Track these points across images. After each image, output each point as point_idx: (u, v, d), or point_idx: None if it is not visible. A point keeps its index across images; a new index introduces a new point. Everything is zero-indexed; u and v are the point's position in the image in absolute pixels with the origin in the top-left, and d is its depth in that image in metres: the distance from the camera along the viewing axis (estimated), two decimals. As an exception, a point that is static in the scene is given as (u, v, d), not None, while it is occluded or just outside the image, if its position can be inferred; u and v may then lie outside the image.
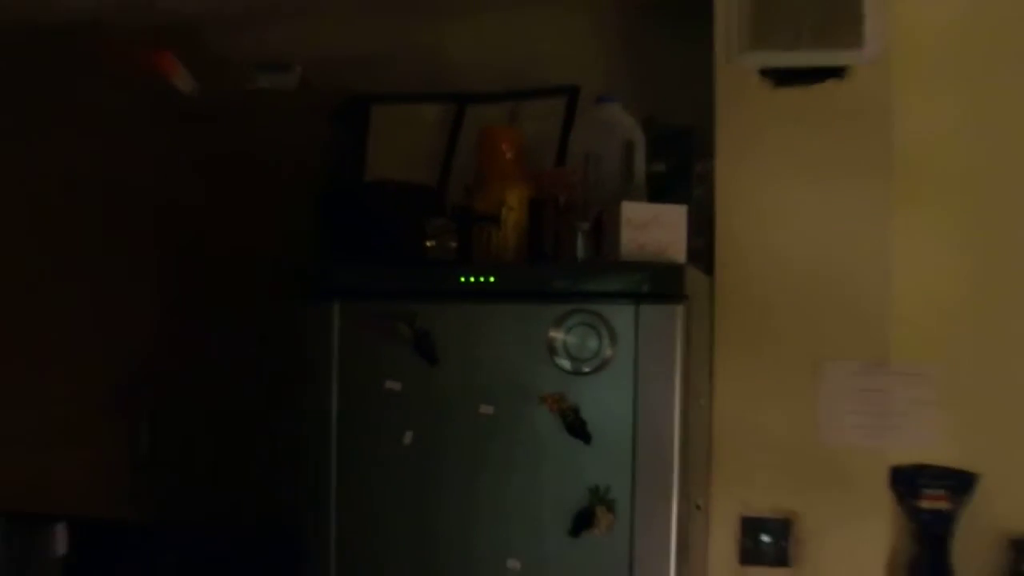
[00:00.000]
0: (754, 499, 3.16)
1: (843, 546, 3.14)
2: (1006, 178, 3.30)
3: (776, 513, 3.15)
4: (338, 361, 2.88)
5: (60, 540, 3.87)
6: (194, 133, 3.43)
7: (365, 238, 2.99)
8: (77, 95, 3.61)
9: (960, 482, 3.27)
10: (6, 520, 3.88)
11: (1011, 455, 3.25)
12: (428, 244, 2.90)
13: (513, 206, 2.89)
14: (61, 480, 3.56)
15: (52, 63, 3.78)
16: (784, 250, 3.16)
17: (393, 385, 2.83)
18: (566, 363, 2.72)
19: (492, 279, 2.81)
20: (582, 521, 2.69)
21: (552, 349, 2.72)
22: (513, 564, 2.75)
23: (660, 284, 2.71)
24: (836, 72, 3.17)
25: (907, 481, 3.27)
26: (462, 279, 2.82)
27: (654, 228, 2.82)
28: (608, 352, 2.70)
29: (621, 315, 2.69)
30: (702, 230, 3.11)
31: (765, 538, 3.16)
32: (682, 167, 3.14)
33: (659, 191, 3.01)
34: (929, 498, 3.26)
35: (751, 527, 3.17)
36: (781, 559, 3.15)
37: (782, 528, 3.15)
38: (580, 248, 2.85)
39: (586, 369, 2.71)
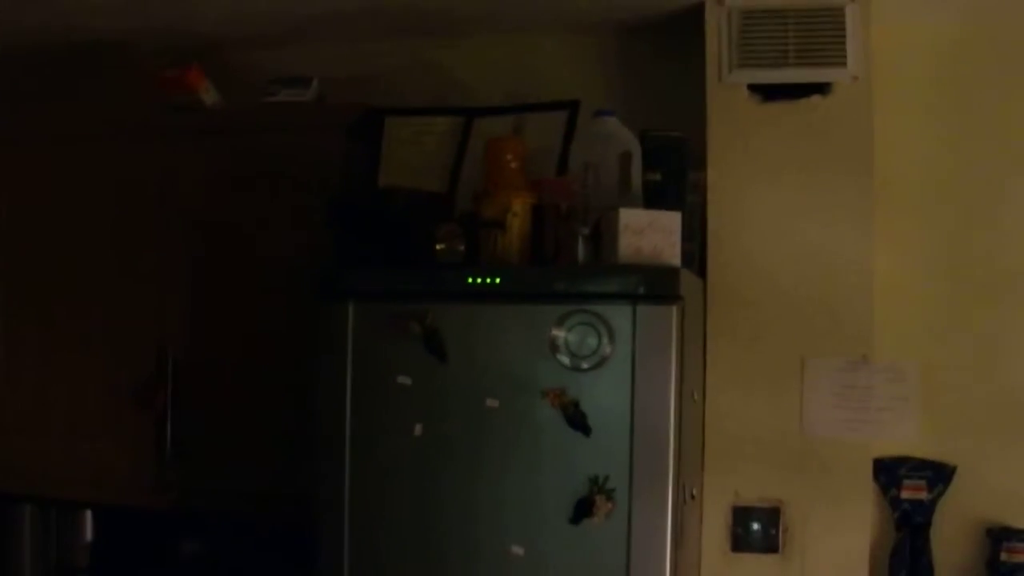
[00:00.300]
0: (744, 489, 3.18)
1: (828, 534, 3.14)
2: (979, 189, 3.32)
3: (765, 502, 3.17)
4: (352, 358, 2.87)
5: (87, 526, 3.89)
6: (217, 144, 3.42)
7: (378, 242, 2.98)
8: (107, 109, 3.60)
9: (938, 473, 3.29)
10: (36, 507, 3.90)
11: (986, 448, 3.27)
12: (437, 248, 2.90)
13: (517, 212, 2.88)
14: (89, 469, 3.53)
15: (84, 79, 3.80)
16: (772, 254, 3.18)
17: (404, 380, 2.82)
18: (567, 360, 2.71)
19: (498, 281, 2.80)
20: (582, 509, 2.68)
21: (554, 347, 2.72)
22: (516, 550, 2.73)
23: (656, 286, 2.70)
24: (820, 88, 3.19)
25: (888, 472, 3.29)
26: (469, 280, 2.81)
27: (650, 233, 2.81)
28: (607, 350, 2.69)
29: (619, 315, 2.69)
30: (695, 235, 3.13)
31: (755, 526, 3.18)
32: (676, 176, 3.10)
33: (654, 198, 2.99)
34: (909, 488, 3.28)
35: (741, 516, 3.18)
36: (769, 546, 3.17)
37: (770, 517, 3.17)
38: (580, 252, 2.84)
39: (586, 366, 2.70)
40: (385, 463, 2.85)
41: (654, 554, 2.67)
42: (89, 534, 3.90)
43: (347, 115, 3.40)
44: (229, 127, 3.45)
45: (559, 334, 2.72)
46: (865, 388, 3.17)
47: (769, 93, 3.21)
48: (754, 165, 3.20)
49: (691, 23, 3.25)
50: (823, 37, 3.18)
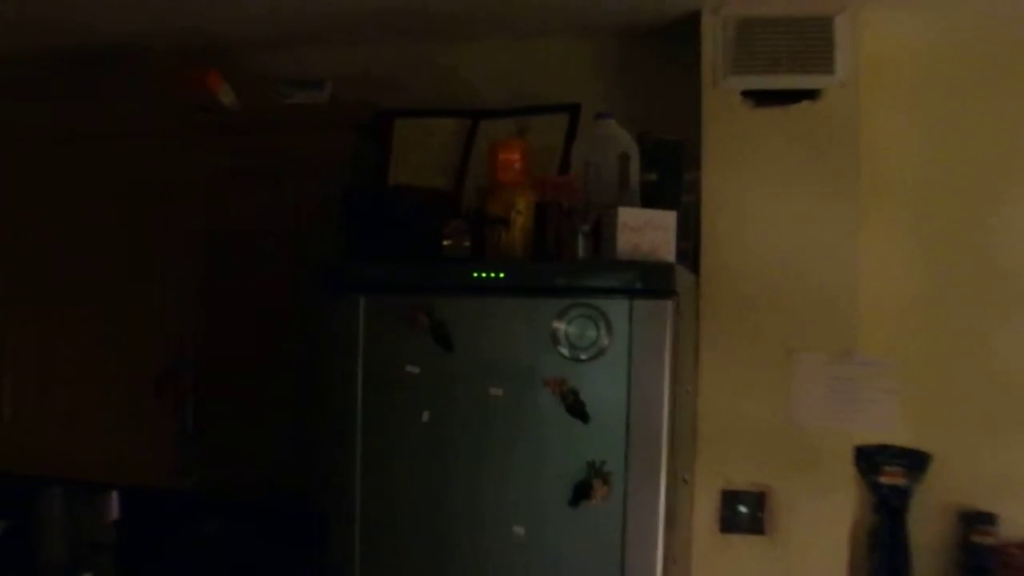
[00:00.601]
0: (733, 474, 3.17)
1: (812, 516, 3.14)
2: (959, 191, 3.30)
3: (752, 487, 3.16)
4: (363, 348, 2.85)
5: (113, 506, 3.89)
6: (234, 144, 3.40)
7: (388, 238, 2.95)
8: (127, 109, 3.58)
9: (916, 461, 3.28)
10: (66, 488, 3.89)
11: (961, 437, 3.26)
12: (445, 243, 2.88)
13: (521, 210, 2.85)
14: (115, 452, 3.52)
15: (102, 80, 3.78)
16: (763, 252, 3.16)
17: (412, 369, 2.80)
18: (567, 351, 2.69)
19: (502, 275, 2.78)
20: (580, 492, 2.67)
21: (554, 338, 2.70)
22: (518, 530, 2.72)
23: (652, 281, 2.68)
24: (810, 94, 3.17)
25: (869, 459, 3.28)
26: (475, 275, 2.79)
27: (647, 231, 2.79)
28: (605, 342, 2.67)
29: (617, 308, 2.67)
30: (689, 233, 3.10)
31: (742, 509, 3.17)
32: (672, 177, 3.10)
33: (651, 198, 2.97)
34: (888, 474, 3.27)
35: (730, 499, 3.17)
36: (756, 528, 3.16)
37: (757, 500, 3.16)
38: (580, 248, 2.83)
39: (584, 356, 2.68)
40: (394, 448, 2.83)
41: (648, 535, 2.66)
42: (115, 513, 3.89)
43: (358, 116, 3.39)
44: (245, 127, 3.43)
45: (560, 326, 2.69)
46: (849, 380, 3.15)
47: (761, 98, 3.19)
48: (747, 167, 3.18)
49: (688, 31, 3.24)
50: (813, 46, 3.16)
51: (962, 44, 3.30)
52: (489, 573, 2.76)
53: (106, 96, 3.72)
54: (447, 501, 2.79)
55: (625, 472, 2.65)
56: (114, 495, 3.88)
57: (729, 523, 3.17)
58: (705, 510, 3.17)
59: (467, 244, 2.88)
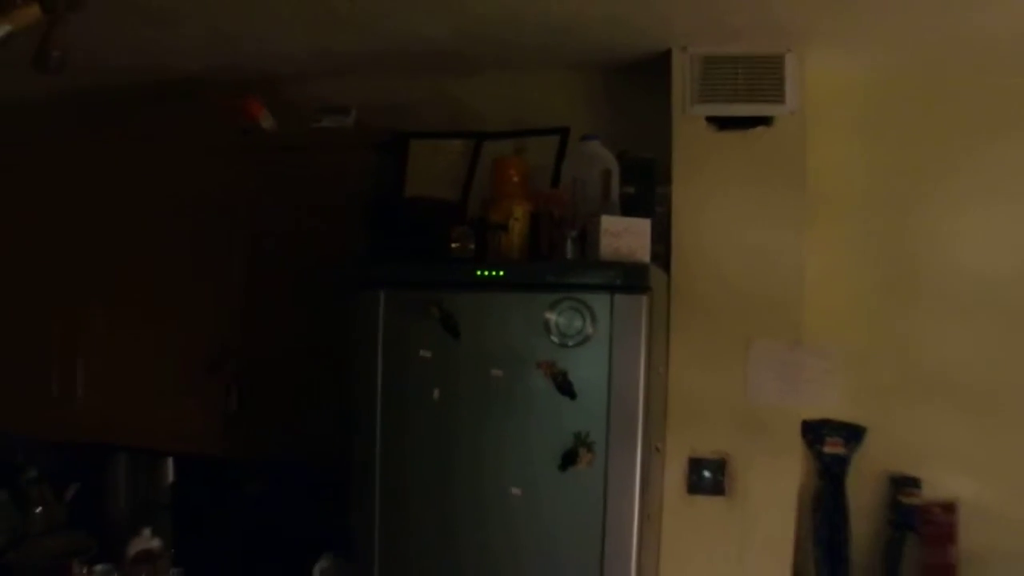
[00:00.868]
0: (698, 444, 3.13)
1: (765, 480, 3.11)
2: (889, 204, 3.31)
3: (715, 454, 3.13)
4: (383, 335, 2.80)
5: (169, 471, 3.87)
6: (273, 162, 3.38)
7: (404, 241, 2.93)
8: (186, 133, 3.54)
9: (853, 433, 3.28)
10: (128, 455, 3.89)
11: (892, 413, 3.26)
12: (452, 246, 2.84)
13: (518, 217, 2.82)
14: (171, 425, 3.49)
15: (165, 109, 3.73)
16: (723, 254, 3.13)
17: (425, 354, 2.76)
18: (557, 338, 2.66)
19: (501, 273, 2.75)
20: (568, 459, 2.64)
21: (546, 327, 2.66)
22: (515, 491, 2.69)
23: (630, 279, 2.66)
24: (764, 120, 3.15)
25: (814, 432, 3.27)
26: (478, 273, 2.75)
27: (625, 236, 2.77)
28: (590, 330, 2.64)
29: (600, 302, 2.63)
30: (662, 238, 3.06)
31: (706, 473, 3.13)
32: (647, 190, 3.06)
33: (629, 208, 2.94)
34: (830, 445, 3.26)
35: (696, 465, 3.13)
36: (718, 490, 3.12)
37: (719, 466, 3.12)
38: (569, 250, 2.80)
39: (572, 343, 2.65)
40: (409, 421, 2.79)
41: (626, 495, 2.63)
42: (171, 477, 3.87)
43: (379, 138, 3.36)
44: (282, 147, 3.40)
45: (551, 317, 2.66)
46: (797, 364, 3.12)
47: (723, 123, 3.15)
48: (710, 182, 3.14)
49: (660, 66, 3.20)
50: (767, 79, 3.14)
51: (891, 80, 3.30)
52: (490, 528, 2.72)
53: (173, 121, 3.65)
54: (454, 466, 2.75)
55: (607, 442, 2.62)
56: (170, 461, 3.85)
57: (695, 486, 3.12)
58: (675, 474, 3.12)
59: (472, 247, 2.84)
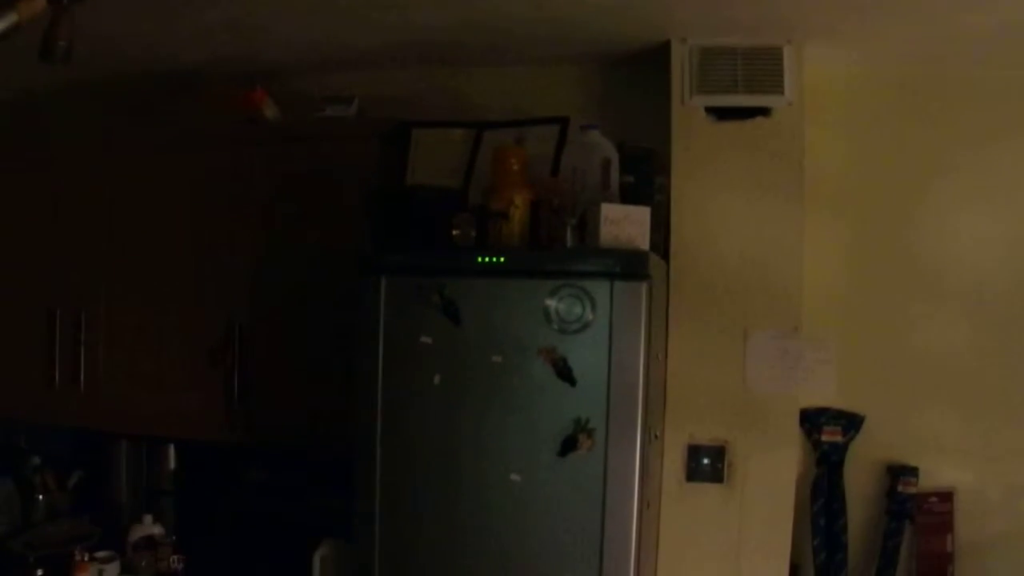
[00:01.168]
0: (697, 431, 3.13)
1: (763, 468, 3.10)
2: (885, 195, 3.32)
3: (713, 442, 3.12)
4: (385, 322, 2.79)
5: (171, 458, 3.87)
6: (277, 151, 3.37)
7: (406, 228, 2.93)
8: (192, 123, 3.57)
9: (851, 421, 3.29)
10: (131, 442, 3.89)
11: (889, 402, 3.28)
12: (454, 233, 2.83)
13: (519, 206, 2.82)
14: (173, 412, 3.49)
15: (173, 99, 3.76)
16: (722, 243, 3.12)
17: (426, 339, 2.76)
18: (557, 325, 2.65)
19: (502, 260, 2.74)
20: (568, 445, 2.63)
21: (546, 314, 2.66)
22: (515, 477, 2.68)
23: (629, 266, 2.65)
24: (763, 111, 3.14)
25: (812, 420, 3.28)
26: (479, 260, 2.75)
27: (625, 224, 2.76)
28: (589, 317, 2.63)
29: (599, 289, 2.63)
30: (661, 227, 3.05)
31: (705, 461, 3.13)
32: (646, 179, 3.05)
33: (628, 197, 2.94)
34: (828, 433, 3.28)
35: (694, 453, 3.13)
36: (717, 477, 3.12)
37: (718, 453, 3.12)
38: (569, 238, 2.79)
39: (572, 330, 2.65)
40: (410, 406, 2.79)
41: (625, 481, 2.62)
42: (173, 463, 3.87)
43: (381, 127, 3.35)
44: (287, 137, 3.39)
45: (551, 303, 2.65)
46: (795, 353, 3.11)
47: (722, 114, 3.15)
48: (709, 172, 3.14)
49: (660, 57, 3.20)
50: (765, 71, 3.13)
51: (888, 73, 3.31)
52: (490, 514, 2.72)
53: (176, 112, 3.71)
54: (454, 452, 2.74)
55: (606, 428, 2.62)
56: (171, 448, 3.85)
57: (693, 473, 3.12)
58: (673, 461, 3.12)
59: (473, 234, 2.83)
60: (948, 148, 3.26)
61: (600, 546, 2.62)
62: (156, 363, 3.53)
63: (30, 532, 3.75)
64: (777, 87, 3.12)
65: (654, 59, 3.22)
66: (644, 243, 2.77)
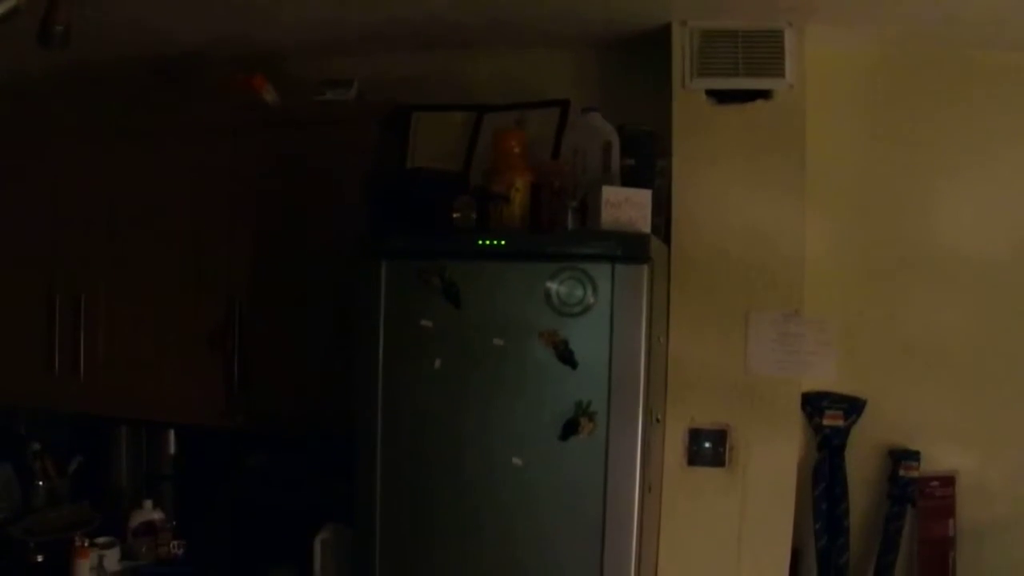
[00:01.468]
0: (699, 415, 3.11)
1: (765, 452, 3.09)
2: (887, 178, 3.30)
3: (715, 426, 3.11)
4: (385, 305, 2.78)
5: (171, 443, 3.86)
6: (277, 135, 3.35)
7: (406, 212, 2.89)
8: (190, 108, 3.54)
9: (853, 405, 3.28)
10: (131, 427, 3.88)
11: (890, 386, 3.27)
12: (454, 216, 2.81)
13: (519, 188, 2.79)
14: (172, 397, 3.48)
15: (172, 83, 3.74)
16: (723, 226, 3.11)
17: (426, 323, 2.74)
18: (558, 308, 2.63)
19: (503, 243, 2.71)
20: (569, 428, 2.61)
21: (548, 297, 2.64)
22: (516, 460, 2.67)
23: (630, 249, 2.63)
24: (763, 94, 3.13)
25: (813, 404, 3.27)
26: (480, 243, 2.72)
27: (626, 207, 2.73)
28: (591, 300, 2.61)
29: (601, 272, 2.61)
30: (662, 210, 3.04)
31: (706, 445, 3.12)
32: (647, 162, 3.03)
33: (629, 179, 2.91)
34: (830, 417, 3.27)
35: (696, 436, 3.12)
36: (718, 461, 3.11)
37: (719, 437, 3.11)
38: (570, 221, 2.77)
39: (573, 312, 2.63)
40: (411, 391, 2.77)
41: (627, 465, 2.61)
42: (172, 448, 3.86)
43: (381, 111, 3.32)
44: (286, 121, 3.37)
45: (552, 286, 2.64)
46: (796, 336, 3.10)
47: (722, 97, 3.13)
48: (710, 155, 3.12)
49: (661, 40, 3.19)
50: (766, 53, 3.12)
51: (889, 55, 3.30)
52: (492, 497, 2.70)
53: (177, 96, 3.67)
54: (455, 436, 2.73)
55: (608, 411, 2.60)
56: (172, 433, 3.85)
57: (695, 456, 3.11)
58: (675, 445, 3.11)
59: (473, 217, 2.81)
60: (950, 129, 3.25)
61: (602, 530, 2.61)
62: (156, 349, 3.51)
63: (30, 518, 3.74)
64: (778, 70, 3.11)
65: (655, 42, 3.20)
66: (645, 226, 2.75)
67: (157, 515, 3.53)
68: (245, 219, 3.40)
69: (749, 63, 3.12)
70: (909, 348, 3.26)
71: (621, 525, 2.61)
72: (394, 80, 3.49)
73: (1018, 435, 3.19)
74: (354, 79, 3.40)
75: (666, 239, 3.07)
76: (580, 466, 2.62)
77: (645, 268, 2.62)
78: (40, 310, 3.66)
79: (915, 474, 3.21)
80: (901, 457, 3.22)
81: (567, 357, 2.63)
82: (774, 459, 3.09)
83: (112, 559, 3.38)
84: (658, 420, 2.93)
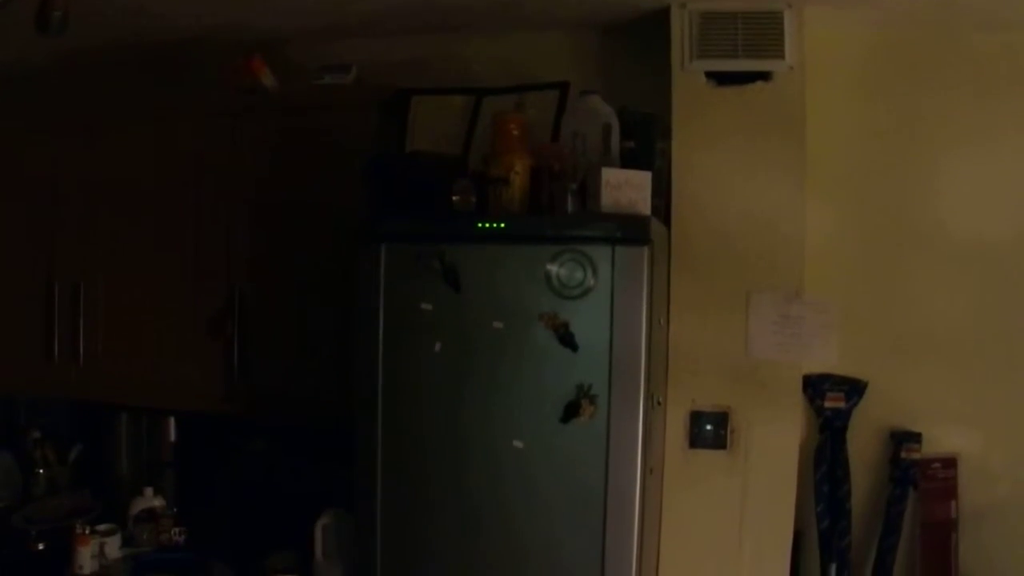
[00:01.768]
0: (700, 397, 3.10)
1: (766, 434, 3.08)
2: (888, 159, 3.29)
3: (716, 408, 3.10)
4: (384, 289, 2.77)
5: (171, 430, 3.86)
6: (276, 119, 3.35)
7: (406, 195, 2.89)
8: (191, 92, 3.55)
9: (854, 387, 3.26)
10: (131, 414, 3.87)
11: (892, 367, 3.26)
12: (454, 199, 2.81)
13: (519, 171, 2.78)
14: (173, 384, 3.48)
15: (172, 69, 3.74)
16: (724, 208, 3.09)
17: (426, 306, 2.73)
18: (558, 290, 2.63)
19: (503, 226, 2.70)
20: (570, 411, 2.62)
21: (548, 279, 2.63)
22: (517, 444, 2.67)
23: (630, 231, 2.63)
24: (763, 76, 3.11)
25: (815, 386, 3.26)
26: (479, 226, 2.71)
27: (626, 189, 2.73)
28: (591, 282, 2.61)
29: (601, 254, 2.61)
30: (662, 193, 3.02)
31: (708, 427, 3.11)
32: (647, 145, 3.01)
33: (629, 162, 2.91)
34: (831, 399, 3.26)
35: (697, 419, 3.11)
36: (720, 443, 3.10)
37: (721, 420, 3.10)
38: (570, 203, 2.76)
39: (574, 295, 2.62)
40: (410, 374, 2.76)
41: (628, 448, 2.61)
42: (173, 435, 3.86)
43: (380, 95, 3.32)
44: (285, 106, 3.37)
45: (552, 269, 2.63)
46: (797, 318, 3.08)
47: (722, 79, 3.12)
48: (709, 137, 3.11)
49: (660, 22, 3.17)
50: (766, 35, 3.10)
51: (889, 36, 3.28)
52: (493, 480, 2.70)
53: (176, 82, 3.69)
54: (456, 419, 2.72)
55: (609, 394, 2.60)
56: (172, 420, 3.84)
57: (696, 439, 3.10)
58: (676, 428, 3.10)
59: (473, 200, 2.80)
60: (951, 111, 3.23)
61: (603, 513, 2.61)
62: (156, 335, 3.51)
63: (31, 506, 3.75)
64: (778, 51, 3.09)
65: (654, 24, 3.19)
66: (645, 208, 2.74)
67: (158, 502, 3.54)
68: (244, 205, 3.40)
69: (749, 45, 3.10)
70: (911, 330, 3.25)
71: (622, 508, 2.61)
72: (393, 64, 3.48)
73: (1020, 417, 3.17)
74: (353, 63, 3.39)
75: (666, 221, 3.06)
76: (581, 449, 2.62)
77: (645, 250, 2.61)
78: (39, 297, 3.66)
79: (917, 456, 3.19)
80: (903, 439, 3.21)
81: (567, 340, 2.62)
82: (775, 441, 3.08)
83: (113, 546, 3.39)
84: (659, 403, 2.92)
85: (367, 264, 2.79)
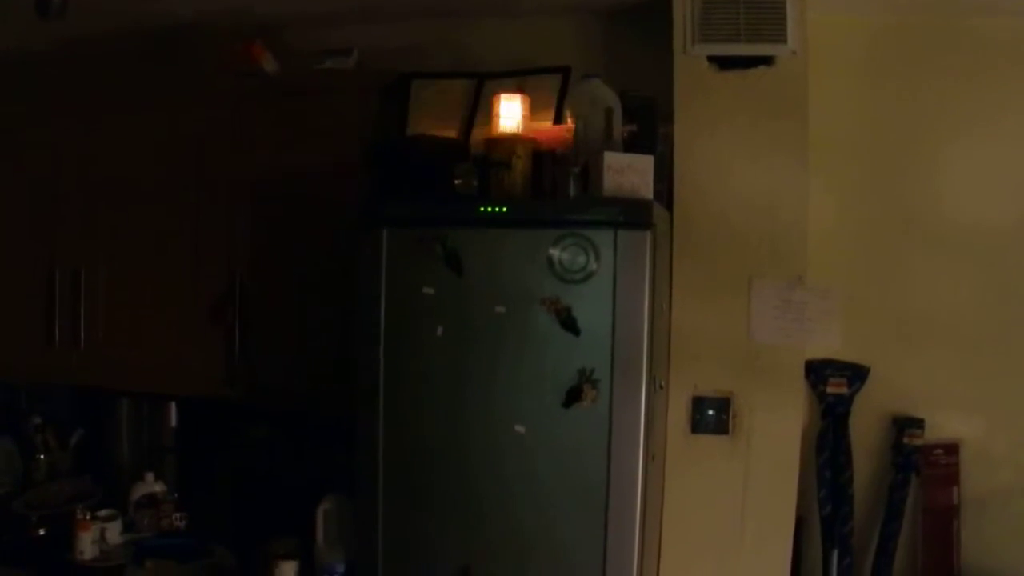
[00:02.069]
0: (702, 382, 3.09)
1: (768, 420, 3.07)
2: (890, 145, 3.29)
3: (718, 394, 3.08)
4: (386, 273, 2.76)
5: (172, 416, 3.86)
6: (277, 104, 3.33)
7: (407, 179, 2.88)
8: (191, 78, 3.50)
9: (856, 373, 3.26)
10: (132, 399, 3.88)
11: (894, 353, 3.26)
12: (456, 183, 2.80)
13: (520, 155, 2.77)
14: (174, 369, 3.47)
15: (173, 54, 3.73)
16: (726, 193, 3.07)
17: (428, 291, 2.72)
18: (560, 274, 2.62)
19: (504, 210, 2.69)
20: (572, 396, 2.61)
21: (550, 263, 2.62)
22: (519, 428, 2.66)
23: (633, 215, 2.61)
24: (765, 60, 3.08)
25: (817, 372, 3.26)
26: (481, 210, 2.70)
27: (628, 173, 2.72)
28: (593, 266, 2.60)
29: (603, 238, 2.59)
30: (664, 177, 3.00)
31: (710, 412, 3.09)
32: (649, 129, 3.00)
33: (631, 147, 2.89)
34: (833, 385, 3.26)
35: (699, 404, 3.09)
36: (722, 428, 3.08)
37: (723, 405, 3.08)
38: (572, 187, 2.75)
39: (576, 279, 2.61)
40: (412, 359, 2.75)
41: (630, 433, 2.60)
42: (174, 420, 3.86)
43: (381, 79, 3.32)
44: (285, 91, 3.35)
45: (554, 253, 2.62)
46: (799, 304, 3.06)
47: (724, 63, 3.09)
48: (711, 122, 3.09)
49: (662, 5, 3.14)
50: (768, 19, 3.07)
51: (891, 22, 3.28)
52: (495, 465, 2.69)
53: (176, 67, 3.66)
54: (457, 404, 2.72)
55: (611, 379, 2.59)
56: (173, 405, 3.85)
57: (698, 424, 3.08)
58: (678, 413, 3.08)
59: (475, 184, 2.80)
60: (953, 97, 3.23)
61: (605, 498, 2.60)
62: (156, 321, 3.51)
63: (32, 492, 3.75)
64: (780, 36, 3.06)
65: (656, 8, 3.16)
66: (648, 192, 2.73)
67: (159, 487, 3.54)
68: (245, 190, 3.38)
69: (751, 29, 3.08)
70: (913, 316, 3.25)
71: (624, 493, 2.60)
72: (394, 49, 3.47)
73: (1022, 403, 3.17)
74: (354, 48, 3.38)
75: (668, 206, 3.04)
76: (583, 434, 2.61)
77: (648, 234, 2.60)
78: (40, 283, 3.66)
79: (919, 442, 3.19)
80: (905, 425, 3.20)
81: (569, 324, 2.61)
82: (778, 427, 3.06)
83: (114, 532, 3.39)
84: (661, 387, 2.91)
85: (368, 249, 2.78)
